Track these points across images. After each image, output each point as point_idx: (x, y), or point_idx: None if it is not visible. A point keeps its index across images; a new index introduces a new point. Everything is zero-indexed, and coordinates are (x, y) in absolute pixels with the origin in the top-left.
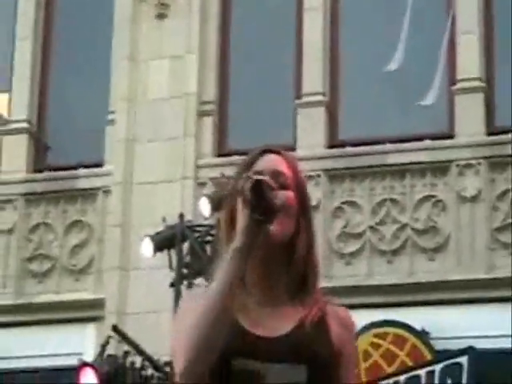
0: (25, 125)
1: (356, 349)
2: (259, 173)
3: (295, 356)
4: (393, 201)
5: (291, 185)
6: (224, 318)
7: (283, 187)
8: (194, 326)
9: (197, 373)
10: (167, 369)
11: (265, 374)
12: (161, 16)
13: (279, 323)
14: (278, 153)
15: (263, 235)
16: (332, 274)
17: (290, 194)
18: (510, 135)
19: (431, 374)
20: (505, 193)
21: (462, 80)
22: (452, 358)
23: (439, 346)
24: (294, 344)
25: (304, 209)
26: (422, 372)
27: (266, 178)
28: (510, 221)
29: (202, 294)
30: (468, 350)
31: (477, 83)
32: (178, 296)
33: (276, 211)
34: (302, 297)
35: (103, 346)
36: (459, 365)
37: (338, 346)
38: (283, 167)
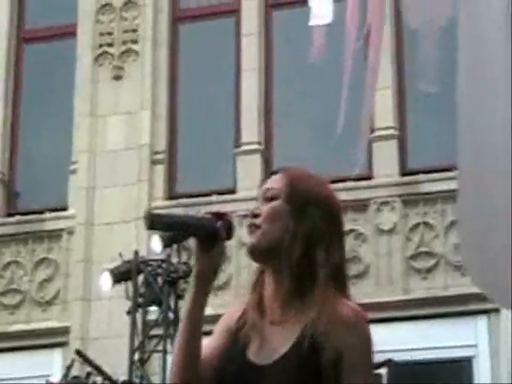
0: None
1: (363, 345)
2: (257, 200)
3: (282, 381)
4: None
5: (280, 195)
6: (192, 350)
7: (270, 200)
8: (174, 355)
9: None
10: None
11: None
12: (117, 77)
13: (279, 346)
14: (281, 171)
15: (247, 252)
16: None
17: (274, 204)
18: (420, 176)
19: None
20: (417, 225)
21: (379, 129)
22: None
23: None
24: (284, 369)
25: (299, 215)
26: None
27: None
28: (421, 250)
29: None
30: (387, 362)
31: (391, 131)
32: (134, 322)
33: (220, 235)
34: (301, 304)
35: (68, 368)
36: (379, 376)
37: (337, 351)
38: (275, 183)
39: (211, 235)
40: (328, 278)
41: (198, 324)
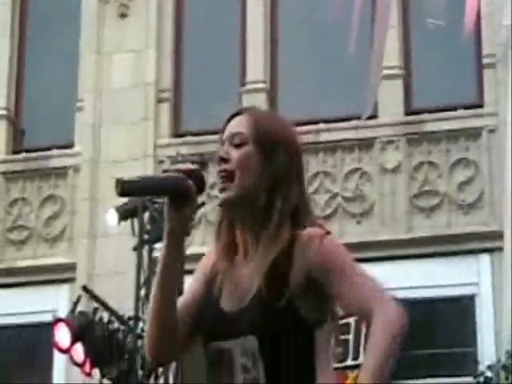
0: (4, 112)
1: (326, 254)
2: (223, 142)
3: (249, 327)
4: (325, 173)
5: (248, 140)
6: (167, 305)
7: (239, 146)
8: (149, 311)
9: (159, 357)
10: (130, 322)
11: (228, 350)
12: (122, 15)
13: (247, 292)
14: (245, 111)
15: (220, 204)
16: None
17: (242, 152)
18: (425, 115)
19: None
20: (421, 164)
21: (385, 67)
22: None
23: None
24: (251, 316)
25: (266, 158)
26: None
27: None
28: (425, 188)
29: (204, 267)
30: None
31: (396, 71)
32: (140, 259)
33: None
34: (268, 239)
35: (75, 304)
36: None
37: (308, 272)
38: (241, 126)
39: (183, 194)
40: (285, 220)
41: (172, 279)
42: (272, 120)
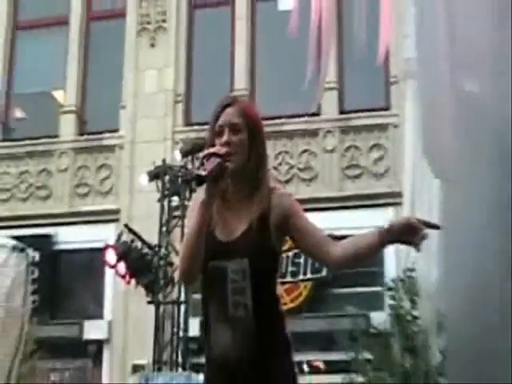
0: (73, 108)
1: (293, 204)
2: (222, 127)
3: (241, 252)
4: (286, 152)
5: (243, 127)
6: (198, 242)
7: (236, 132)
8: (185, 247)
9: (187, 275)
10: (156, 248)
11: (224, 268)
12: (152, 45)
13: (236, 229)
14: (234, 103)
15: (225, 174)
16: None
17: (240, 136)
18: (352, 114)
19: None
20: (349, 147)
21: (327, 82)
22: None
23: None
24: (242, 244)
25: (253, 140)
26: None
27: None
28: (352, 163)
29: (195, 207)
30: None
31: (332, 84)
32: (162, 207)
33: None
34: (255, 195)
35: (119, 236)
36: None
37: (282, 215)
38: (236, 117)
39: (222, 173)
40: (264, 180)
41: (203, 233)
42: (253, 110)
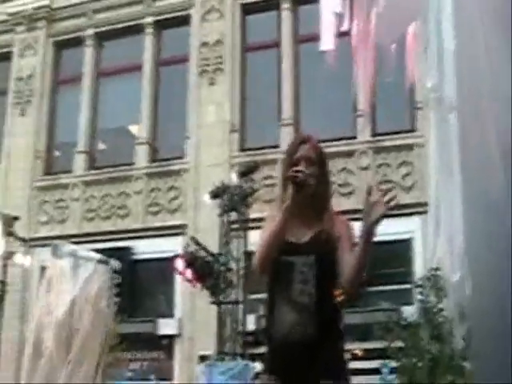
0: (147, 140)
1: (351, 232)
2: (299, 159)
3: (309, 252)
4: None
5: (315, 161)
6: (278, 239)
7: (310, 165)
8: (264, 240)
9: (264, 263)
10: (217, 256)
11: (293, 261)
12: (211, 83)
13: (305, 234)
14: (308, 140)
15: (301, 194)
16: None
17: (313, 169)
18: (386, 136)
19: None
20: (381, 165)
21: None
22: None
23: None
24: (310, 246)
25: (322, 171)
26: None
27: (299, 169)
28: (384, 179)
29: (273, 220)
30: None
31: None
32: (222, 221)
33: (303, 185)
34: (324, 213)
35: (185, 247)
36: None
37: (339, 235)
38: (311, 152)
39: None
40: (330, 202)
41: (283, 232)
42: (322, 148)
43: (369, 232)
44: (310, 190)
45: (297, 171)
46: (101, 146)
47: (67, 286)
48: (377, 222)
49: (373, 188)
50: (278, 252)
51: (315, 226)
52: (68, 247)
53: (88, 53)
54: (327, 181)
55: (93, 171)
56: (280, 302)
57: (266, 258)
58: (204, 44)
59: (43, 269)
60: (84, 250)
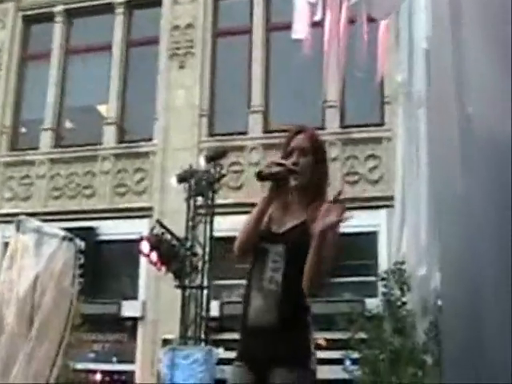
0: (115, 120)
1: (326, 214)
2: (292, 150)
3: (283, 241)
4: None
5: (309, 151)
6: (254, 227)
7: (304, 155)
8: (243, 225)
9: (240, 247)
10: (183, 240)
11: (268, 249)
12: (181, 67)
13: (286, 224)
14: (303, 130)
15: (288, 187)
16: None
17: (307, 159)
18: (354, 128)
19: None
20: (349, 157)
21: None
22: None
23: None
24: (286, 236)
25: (316, 161)
26: None
27: (279, 162)
28: (350, 171)
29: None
30: None
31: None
32: (188, 205)
33: (281, 179)
34: (309, 206)
35: (152, 229)
36: None
37: (314, 231)
38: (305, 142)
39: (285, 178)
40: (322, 196)
41: (261, 220)
42: (318, 137)
43: (321, 235)
44: (300, 183)
45: (279, 164)
46: (68, 124)
47: (30, 262)
48: (327, 227)
49: (340, 193)
50: (258, 239)
51: (299, 217)
52: (33, 223)
53: (57, 29)
54: (323, 171)
55: (59, 149)
56: (254, 289)
57: (243, 243)
58: (175, 27)
59: (6, 245)
60: (49, 227)
